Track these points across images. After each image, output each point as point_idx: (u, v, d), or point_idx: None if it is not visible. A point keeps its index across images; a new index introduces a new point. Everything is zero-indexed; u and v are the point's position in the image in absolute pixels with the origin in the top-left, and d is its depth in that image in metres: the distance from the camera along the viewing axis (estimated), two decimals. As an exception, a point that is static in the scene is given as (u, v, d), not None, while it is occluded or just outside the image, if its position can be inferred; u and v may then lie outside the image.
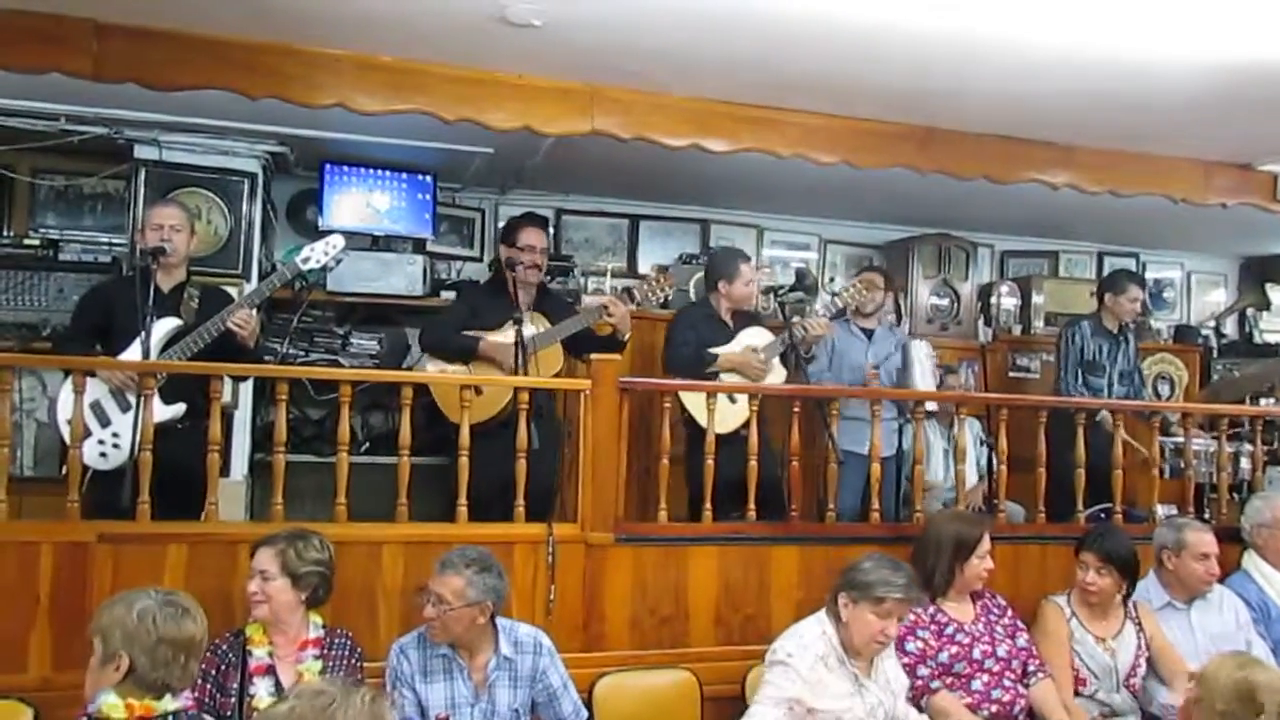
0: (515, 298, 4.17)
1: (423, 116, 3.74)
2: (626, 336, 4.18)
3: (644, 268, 5.97)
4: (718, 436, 3.79)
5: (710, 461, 3.74)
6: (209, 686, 2.71)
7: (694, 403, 4.07)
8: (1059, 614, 3.55)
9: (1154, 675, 3.55)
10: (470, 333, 4.13)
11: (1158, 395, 6.19)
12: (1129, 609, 3.60)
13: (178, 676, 2.14)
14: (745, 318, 4.59)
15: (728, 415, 4.01)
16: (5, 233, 4.99)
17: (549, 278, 5.29)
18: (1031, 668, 3.41)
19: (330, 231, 4.02)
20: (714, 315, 4.49)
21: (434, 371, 4.18)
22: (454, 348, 4.14)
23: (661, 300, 4.46)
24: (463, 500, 3.42)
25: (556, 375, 4.13)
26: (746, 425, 3.96)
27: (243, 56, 3.49)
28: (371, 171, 5.23)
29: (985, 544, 3.43)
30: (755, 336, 4.43)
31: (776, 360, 4.39)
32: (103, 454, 3.46)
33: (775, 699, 2.94)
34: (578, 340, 4.16)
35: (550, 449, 3.81)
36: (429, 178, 5.32)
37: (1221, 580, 3.92)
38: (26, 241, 4.83)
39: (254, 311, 3.60)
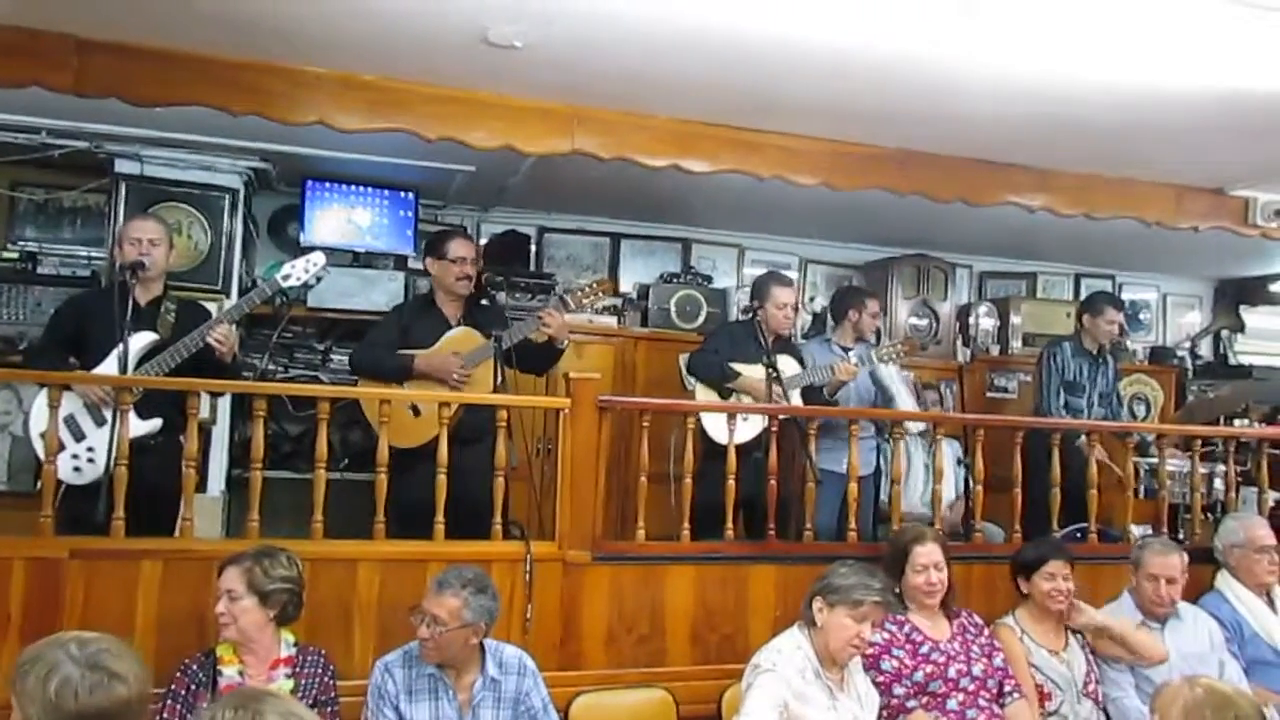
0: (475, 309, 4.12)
1: (404, 135, 3.76)
2: (564, 345, 4.10)
3: (625, 285, 6.01)
4: (728, 451, 3.81)
5: (688, 480, 3.75)
6: (178, 707, 2.69)
7: (709, 418, 4.12)
8: (1011, 634, 3.57)
9: (1112, 678, 3.62)
10: (404, 352, 3.95)
11: (1133, 416, 6.25)
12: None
13: None
14: (782, 344, 4.57)
15: (742, 428, 3.98)
16: (-17, 246, 4.97)
17: (530, 295, 5.32)
18: (1008, 688, 3.41)
19: (312, 248, 4.02)
20: (753, 334, 4.43)
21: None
22: (388, 368, 3.91)
23: (598, 307, 4.41)
24: (439, 518, 3.41)
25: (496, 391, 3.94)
26: (758, 442, 4.02)
27: (224, 73, 3.50)
28: (353, 188, 5.25)
29: (918, 557, 3.42)
30: (783, 364, 4.38)
31: (796, 394, 4.40)
32: (77, 469, 3.43)
33: (768, 702, 2.92)
34: (515, 351, 3.99)
35: (485, 472, 3.55)
36: (411, 195, 5.34)
37: (1195, 600, 3.96)
38: (5, 254, 4.82)
39: (233, 327, 3.59)
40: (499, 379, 3.83)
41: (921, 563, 3.42)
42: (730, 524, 3.80)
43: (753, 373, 4.34)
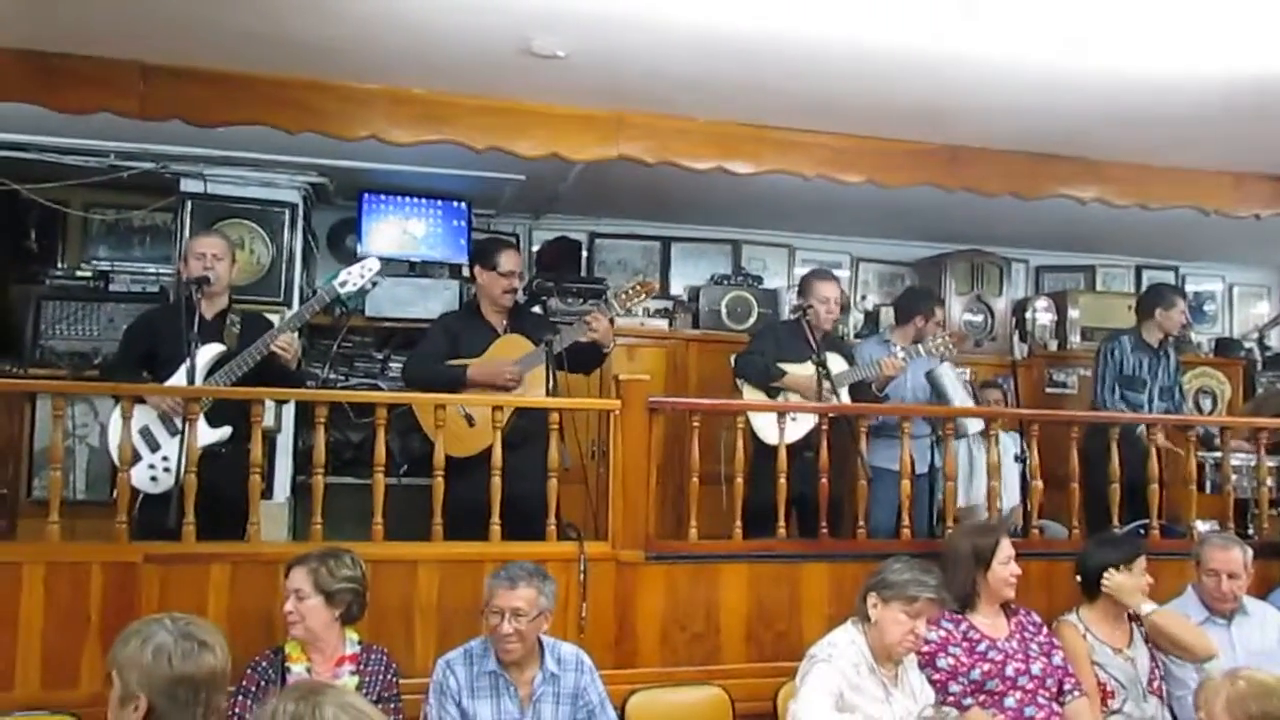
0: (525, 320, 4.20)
1: (455, 146, 3.85)
2: (609, 348, 4.15)
3: (676, 288, 6.06)
4: (779, 450, 3.83)
5: (740, 480, 3.77)
6: (249, 702, 2.79)
7: (759, 419, 4.13)
8: (1075, 631, 3.53)
9: (1177, 676, 3.55)
10: (455, 362, 3.99)
11: (1199, 409, 6.12)
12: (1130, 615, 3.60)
13: (201, 715, 2.01)
14: (830, 342, 4.56)
15: (791, 427, 3.98)
16: (59, 265, 5.20)
17: (582, 300, 5.39)
18: (1067, 686, 3.38)
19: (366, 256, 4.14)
20: (800, 333, 4.43)
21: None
22: (442, 379, 3.93)
23: (647, 309, 4.44)
24: (495, 520, 3.49)
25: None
26: (808, 441, 4.03)
27: (280, 93, 3.63)
28: (408, 200, 5.37)
29: (1004, 550, 3.42)
30: (832, 362, 4.37)
31: (845, 391, 4.39)
32: (153, 478, 3.58)
33: (824, 690, 2.97)
34: (567, 350, 4.02)
35: (539, 475, 3.59)
36: (463, 204, 5.45)
37: (1264, 596, 3.88)
38: (79, 273, 5.03)
39: (295, 335, 3.70)
40: (552, 383, 3.89)
41: (1008, 554, 3.42)
42: (782, 522, 3.81)
43: (801, 371, 4.34)
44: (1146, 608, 3.50)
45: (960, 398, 4.68)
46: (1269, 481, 4.49)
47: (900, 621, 3.03)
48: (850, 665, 3.04)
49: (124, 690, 1.98)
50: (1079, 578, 3.63)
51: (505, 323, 4.15)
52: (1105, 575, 3.52)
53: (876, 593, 3.09)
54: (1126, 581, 3.51)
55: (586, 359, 4.13)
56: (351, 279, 3.79)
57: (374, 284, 3.93)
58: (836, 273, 6.22)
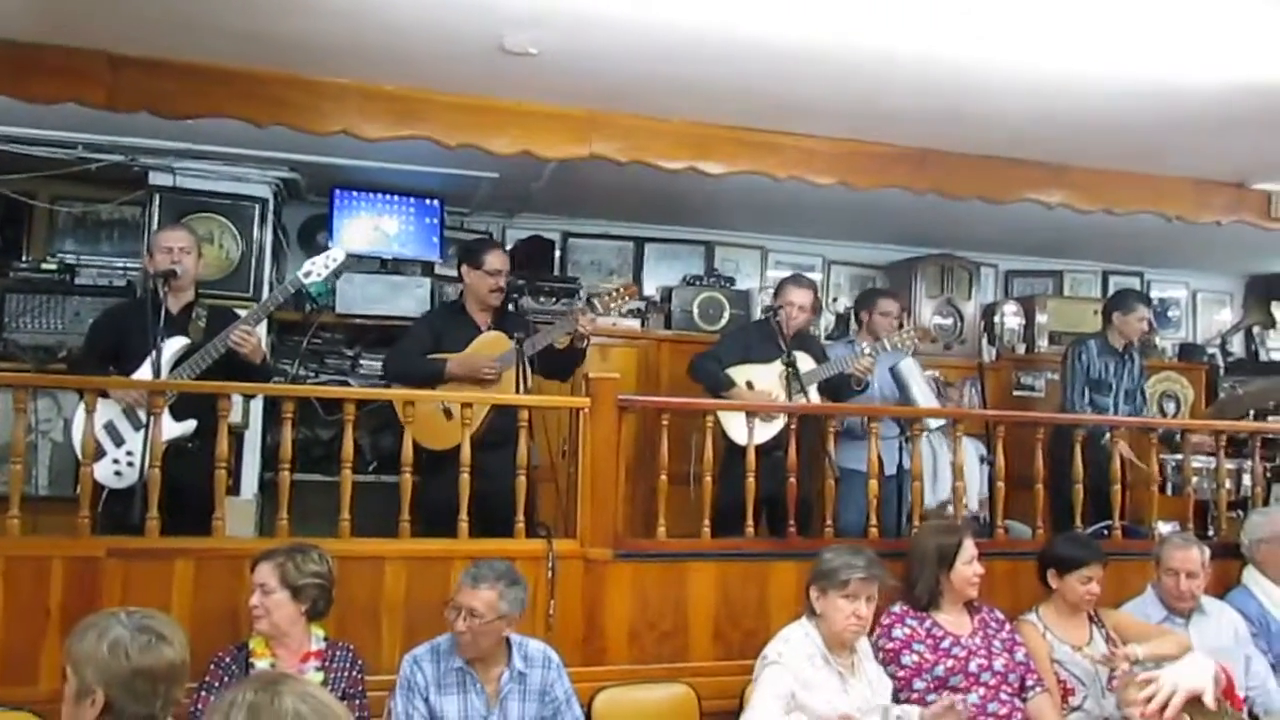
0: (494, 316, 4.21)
1: (429, 143, 3.84)
2: (584, 344, 4.17)
3: (649, 289, 6.07)
4: (755, 450, 3.85)
5: (708, 479, 3.79)
6: (212, 698, 2.76)
7: (728, 418, 4.14)
8: (1034, 630, 3.58)
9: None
10: (436, 356, 4.03)
11: (1163, 413, 6.20)
12: (1090, 613, 3.65)
13: (159, 708, 1.98)
14: (799, 341, 4.57)
15: (761, 427, 4.02)
16: (25, 258, 5.11)
17: (555, 300, 5.40)
18: (1030, 682, 3.42)
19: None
20: (770, 333, 4.47)
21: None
22: (422, 373, 4.00)
23: (623, 310, 4.46)
24: (463, 516, 3.48)
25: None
26: (778, 441, 4.04)
27: (250, 86, 3.60)
28: (380, 196, 5.35)
29: (968, 550, 3.46)
30: (800, 362, 4.38)
31: (814, 391, 4.41)
32: (117, 472, 3.55)
33: (772, 694, 3.03)
34: (539, 358, 4.09)
35: (515, 474, 3.61)
36: (436, 202, 5.43)
37: (1222, 596, 3.95)
38: (45, 266, 4.95)
39: (255, 327, 3.67)
40: (526, 382, 3.90)
41: (971, 554, 3.47)
42: (751, 521, 3.83)
43: (768, 373, 4.37)
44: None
45: (920, 387, 4.72)
46: (1228, 484, 4.57)
47: (840, 607, 3.13)
48: (804, 659, 3.10)
49: (80, 685, 1.95)
50: (1039, 565, 3.67)
51: (489, 322, 4.18)
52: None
53: (815, 585, 3.19)
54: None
55: (564, 362, 4.13)
56: (315, 269, 3.77)
57: (338, 274, 3.92)
58: (810, 275, 6.29)
